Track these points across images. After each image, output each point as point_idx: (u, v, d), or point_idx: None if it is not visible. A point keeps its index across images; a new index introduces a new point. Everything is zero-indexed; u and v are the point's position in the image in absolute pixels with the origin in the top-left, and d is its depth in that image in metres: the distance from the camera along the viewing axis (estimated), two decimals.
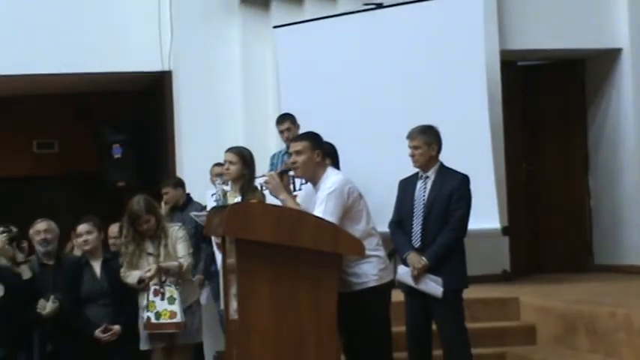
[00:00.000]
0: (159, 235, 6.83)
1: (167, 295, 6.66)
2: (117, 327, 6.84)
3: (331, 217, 5.74)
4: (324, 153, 6.13)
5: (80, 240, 7.12)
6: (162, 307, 6.64)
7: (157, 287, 6.66)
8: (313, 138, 6.13)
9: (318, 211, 5.78)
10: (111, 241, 7.26)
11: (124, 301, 6.89)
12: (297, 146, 6.09)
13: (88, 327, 6.86)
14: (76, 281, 7.01)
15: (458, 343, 6.53)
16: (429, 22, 9.04)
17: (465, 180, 6.56)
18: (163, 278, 6.68)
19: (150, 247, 6.82)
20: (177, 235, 6.90)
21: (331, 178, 5.96)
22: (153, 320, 6.65)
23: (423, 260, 6.39)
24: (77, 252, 7.70)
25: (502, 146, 9.63)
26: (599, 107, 10.75)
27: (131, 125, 12.09)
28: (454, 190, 6.47)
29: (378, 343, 6.05)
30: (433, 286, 6.40)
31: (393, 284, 6.26)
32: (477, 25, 8.89)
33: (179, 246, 6.84)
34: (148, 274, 6.67)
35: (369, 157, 8.36)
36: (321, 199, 5.85)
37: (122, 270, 6.82)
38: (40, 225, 7.20)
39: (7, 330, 6.59)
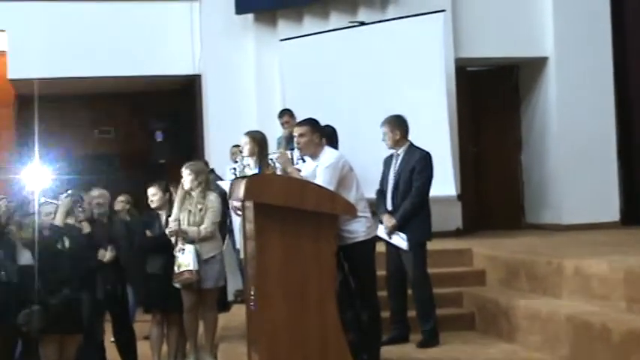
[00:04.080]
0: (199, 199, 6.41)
1: (187, 250, 6.24)
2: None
3: (329, 186, 5.30)
4: (321, 135, 5.65)
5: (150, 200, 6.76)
6: (182, 260, 6.24)
7: (180, 245, 6.27)
8: (313, 123, 5.65)
9: (318, 181, 5.33)
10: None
11: None
12: (300, 130, 5.62)
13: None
14: (145, 228, 6.65)
15: (421, 284, 6.31)
16: (401, 36, 8.72)
17: (426, 156, 6.28)
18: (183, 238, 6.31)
19: (191, 206, 6.40)
20: (210, 205, 6.40)
21: (328, 155, 5.52)
22: (176, 270, 6.26)
23: (393, 221, 6.18)
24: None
25: (456, 133, 9.29)
26: (530, 103, 10.39)
27: (170, 116, 11.84)
28: (416, 165, 6.23)
29: (366, 284, 5.63)
30: (400, 241, 6.21)
31: (376, 239, 5.87)
32: (438, 39, 8.59)
33: (207, 215, 6.36)
34: (168, 231, 6.32)
35: (356, 140, 7.85)
36: (320, 172, 5.42)
37: None
38: (94, 192, 6.89)
39: (72, 274, 6.23)
